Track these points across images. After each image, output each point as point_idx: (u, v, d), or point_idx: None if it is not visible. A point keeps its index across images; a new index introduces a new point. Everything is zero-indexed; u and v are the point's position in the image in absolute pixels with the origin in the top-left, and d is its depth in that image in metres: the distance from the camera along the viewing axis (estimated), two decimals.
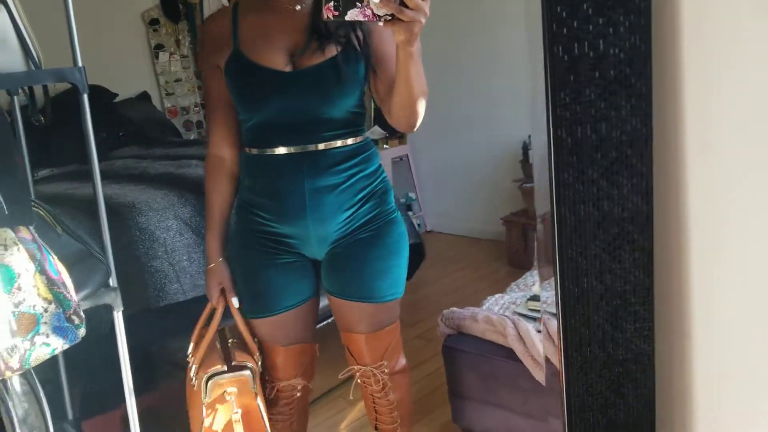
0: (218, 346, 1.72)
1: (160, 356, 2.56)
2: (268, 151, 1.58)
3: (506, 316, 2.12)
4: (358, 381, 1.78)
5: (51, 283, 1.19)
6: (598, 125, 0.75)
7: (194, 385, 1.67)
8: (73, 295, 1.23)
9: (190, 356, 1.74)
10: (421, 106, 1.46)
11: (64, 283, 1.21)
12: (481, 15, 4.29)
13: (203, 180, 2.79)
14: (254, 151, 1.61)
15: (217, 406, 1.64)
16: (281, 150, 1.56)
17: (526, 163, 4.03)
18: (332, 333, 1.88)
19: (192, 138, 4.85)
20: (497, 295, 2.39)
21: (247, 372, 1.64)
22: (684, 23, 0.73)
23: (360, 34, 1.53)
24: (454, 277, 4.04)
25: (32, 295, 1.16)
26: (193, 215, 2.57)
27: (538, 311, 2.16)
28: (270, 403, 1.78)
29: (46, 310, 1.17)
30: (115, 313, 1.46)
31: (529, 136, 4.04)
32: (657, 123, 0.75)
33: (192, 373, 1.69)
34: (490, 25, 4.24)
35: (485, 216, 4.53)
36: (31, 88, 1.45)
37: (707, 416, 0.86)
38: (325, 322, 2.31)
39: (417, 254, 3.26)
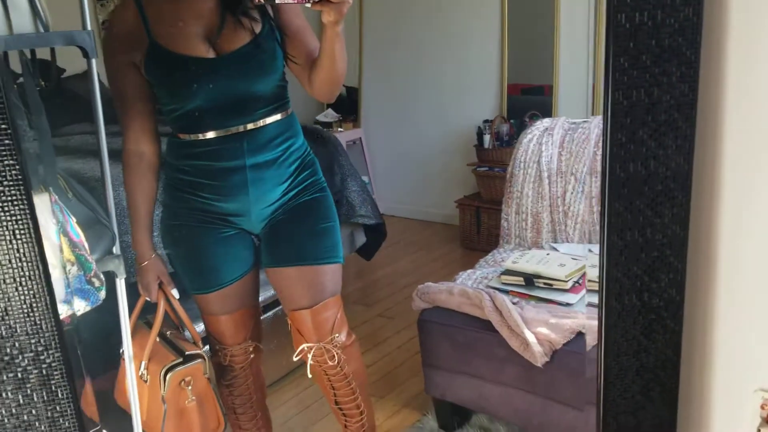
0: (158, 339, 1.74)
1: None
2: (201, 136, 1.59)
3: (481, 290, 2.20)
4: (311, 362, 1.73)
5: (73, 245, 1.18)
6: (650, 90, 0.82)
7: (146, 380, 1.69)
8: (92, 258, 1.23)
9: (123, 352, 1.63)
10: (342, 79, 1.57)
11: (84, 246, 1.21)
12: (444, 4, 4.36)
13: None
14: (187, 137, 1.61)
15: (172, 396, 1.68)
16: (215, 134, 1.58)
17: (480, 147, 4.14)
18: None
19: None
20: (468, 271, 2.47)
21: (201, 360, 1.71)
22: None
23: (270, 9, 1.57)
24: (409, 260, 4.12)
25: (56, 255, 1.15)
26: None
27: (511, 284, 2.25)
28: (226, 371, 1.84)
29: (69, 272, 1.17)
30: (117, 280, 1.45)
31: (484, 121, 4.15)
32: (702, 89, 0.83)
33: (142, 369, 1.68)
34: (447, 8, 4.32)
35: (438, 199, 4.62)
36: (33, 52, 1.42)
37: (728, 361, 0.95)
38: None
39: (378, 234, 3.32)
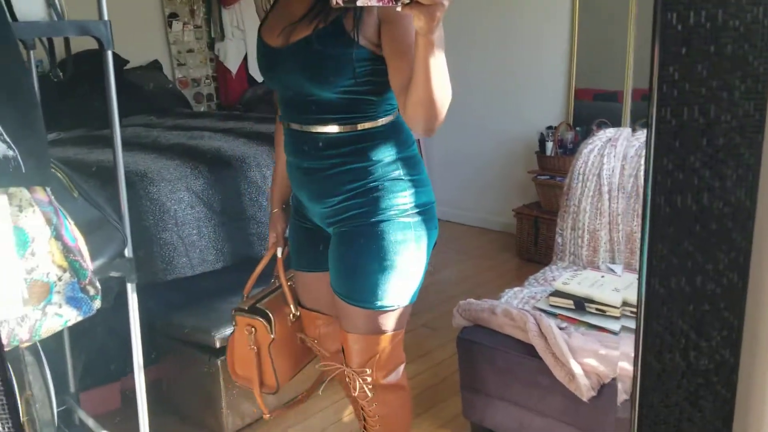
0: (274, 282, 1.85)
1: (163, 331, 2.49)
2: (282, 122, 1.60)
3: (526, 311, 2.05)
4: (347, 380, 1.66)
5: (67, 250, 1.10)
6: (706, 107, 0.66)
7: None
8: (89, 264, 1.15)
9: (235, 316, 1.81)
10: (442, 107, 1.28)
11: (80, 251, 1.13)
12: (512, 6, 4.18)
13: (217, 152, 2.71)
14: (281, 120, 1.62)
15: (240, 335, 1.78)
16: (286, 123, 1.57)
17: (542, 155, 3.95)
18: None
19: (202, 110, 4.75)
20: (516, 289, 2.31)
21: (261, 319, 1.73)
22: None
23: (359, 17, 1.38)
24: (461, 267, 3.96)
25: (46, 261, 1.07)
26: (205, 188, 2.48)
27: (560, 307, 2.08)
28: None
29: (60, 279, 1.09)
30: (128, 284, 1.38)
31: (547, 128, 3.95)
32: None
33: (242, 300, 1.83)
34: (515, 10, 4.14)
35: (496, 207, 4.45)
36: (51, 42, 1.36)
37: None
38: None
39: None
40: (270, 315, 1.74)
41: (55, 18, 1.25)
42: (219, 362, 2.33)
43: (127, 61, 4.11)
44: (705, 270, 0.72)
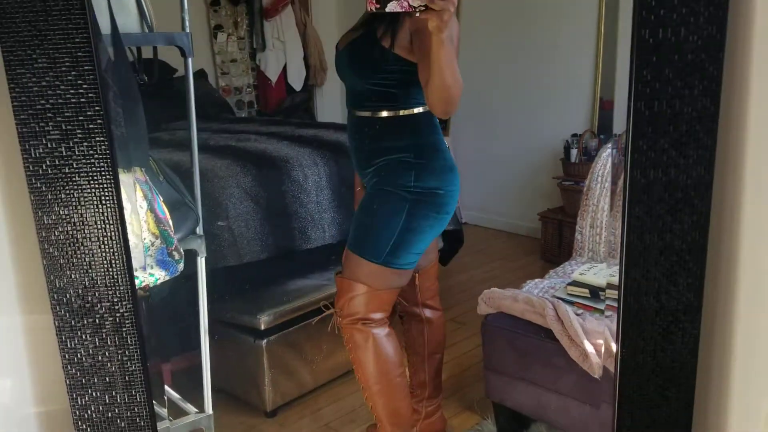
0: None
1: (213, 315, 2.69)
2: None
3: (546, 299, 2.24)
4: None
5: (158, 221, 1.33)
6: (672, 102, 0.87)
7: None
8: (174, 234, 1.38)
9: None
10: (454, 94, 1.63)
11: (168, 222, 1.36)
12: (537, 10, 4.37)
13: (263, 153, 2.95)
14: None
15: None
16: (348, 109, 1.96)
17: (566, 161, 4.13)
18: None
19: (244, 116, 5.02)
20: (536, 280, 2.50)
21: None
22: (757, 19, 0.85)
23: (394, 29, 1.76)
24: (487, 268, 4.14)
25: (144, 228, 1.30)
26: (253, 185, 2.71)
27: (577, 296, 2.27)
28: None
29: (152, 244, 1.32)
30: (198, 258, 1.60)
31: (572, 135, 4.13)
32: (724, 103, 0.87)
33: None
34: (542, 18, 4.33)
35: (523, 211, 4.62)
36: (139, 50, 1.60)
37: (745, 365, 0.97)
38: None
39: (456, 240, 3.38)
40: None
41: (146, 30, 1.49)
42: (264, 343, 2.54)
43: (176, 70, 4.38)
44: (673, 229, 0.92)
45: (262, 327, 2.52)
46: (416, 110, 1.88)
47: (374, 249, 1.87)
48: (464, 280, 3.89)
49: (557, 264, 4.02)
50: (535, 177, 4.50)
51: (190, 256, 2.04)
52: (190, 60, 1.53)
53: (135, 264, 1.18)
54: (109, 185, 0.86)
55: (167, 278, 1.35)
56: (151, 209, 1.32)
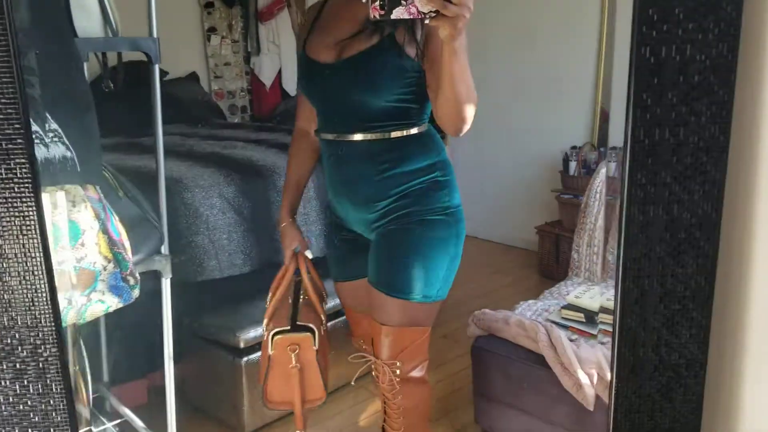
0: (290, 301, 1.85)
1: (191, 330, 2.60)
2: (322, 136, 1.67)
3: (539, 322, 2.13)
4: (373, 374, 1.76)
5: (112, 243, 1.22)
6: (676, 130, 0.76)
7: (263, 336, 1.81)
8: (131, 257, 1.27)
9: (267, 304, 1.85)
10: (468, 110, 1.45)
11: (123, 244, 1.25)
12: (538, 19, 4.28)
13: (249, 161, 2.84)
14: (319, 134, 1.70)
15: (280, 357, 1.77)
16: (328, 136, 1.64)
17: (565, 174, 4.02)
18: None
19: (236, 122, 4.91)
20: (530, 301, 2.39)
21: (308, 333, 1.75)
22: None
23: (415, 34, 1.52)
24: (483, 282, 4.04)
25: (94, 252, 1.19)
26: (236, 195, 2.61)
27: (571, 320, 2.16)
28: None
29: (104, 268, 1.21)
30: (163, 279, 1.49)
31: (572, 147, 4.03)
32: (735, 131, 0.76)
33: (264, 324, 1.82)
34: (543, 30, 4.23)
35: (520, 224, 4.52)
36: (104, 55, 1.49)
37: (753, 428, 0.86)
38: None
39: None
40: (313, 328, 1.77)
41: (110, 34, 1.38)
42: (243, 362, 2.43)
43: (167, 73, 4.29)
44: (675, 273, 0.81)
45: (242, 345, 2.41)
46: (427, 123, 1.66)
47: (430, 287, 1.64)
48: (459, 295, 3.75)
49: (553, 279, 3.92)
50: (533, 189, 4.40)
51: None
52: (156, 67, 1.42)
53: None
54: (30, 213, 0.75)
55: (120, 305, 1.24)
56: (104, 230, 1.21)
